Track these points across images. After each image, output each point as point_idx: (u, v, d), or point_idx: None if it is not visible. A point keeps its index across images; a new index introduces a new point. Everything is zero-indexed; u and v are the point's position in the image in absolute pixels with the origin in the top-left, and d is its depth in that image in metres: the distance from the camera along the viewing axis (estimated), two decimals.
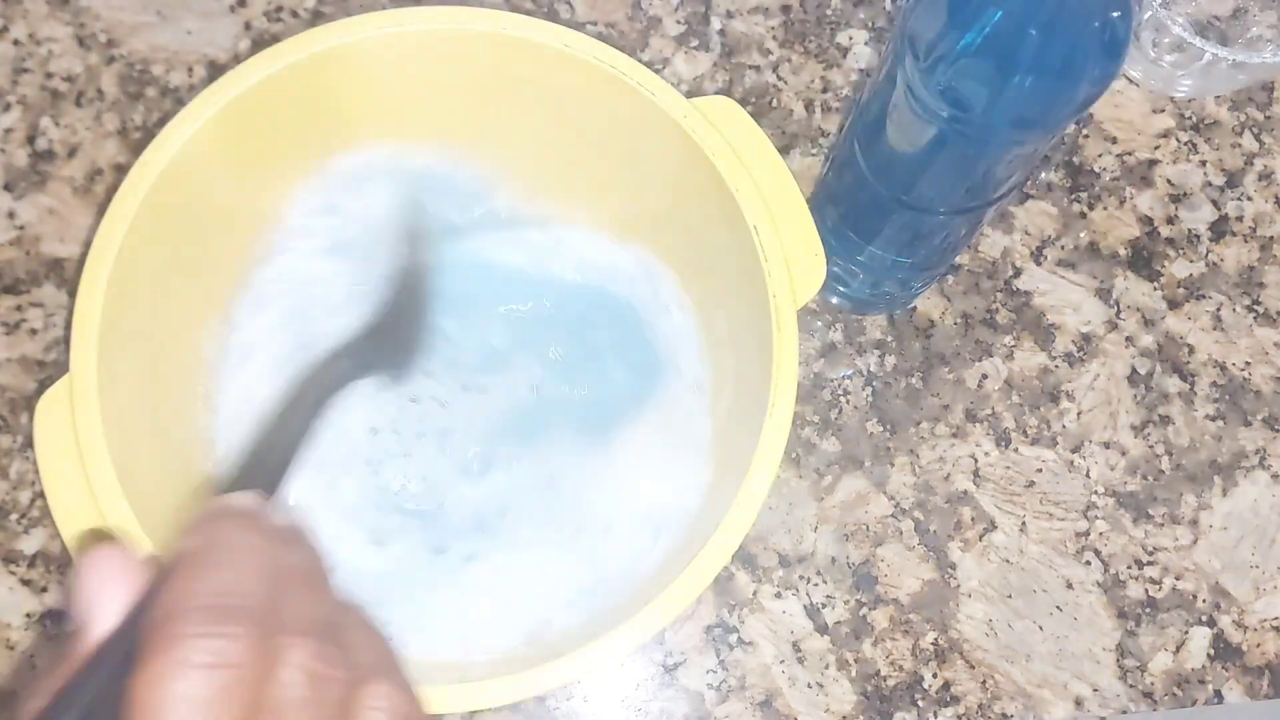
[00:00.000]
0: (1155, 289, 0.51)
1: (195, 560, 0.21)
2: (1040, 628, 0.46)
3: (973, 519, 0.47)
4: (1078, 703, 0.45)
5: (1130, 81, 0.53)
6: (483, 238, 0.45)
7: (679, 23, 0.53)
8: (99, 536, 0.34)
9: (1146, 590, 0.47)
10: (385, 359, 0.39)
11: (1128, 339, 0.50)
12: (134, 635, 0.20)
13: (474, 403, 0.44)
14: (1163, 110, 0.53)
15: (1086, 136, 0.53)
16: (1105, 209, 0.52)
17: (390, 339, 0.39)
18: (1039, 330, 0.50)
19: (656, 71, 0.42)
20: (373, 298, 0.40)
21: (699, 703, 0.44)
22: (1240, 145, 0.53)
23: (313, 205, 0.43)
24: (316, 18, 0.52)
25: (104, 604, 0.21)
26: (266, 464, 0.28)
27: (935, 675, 0.45)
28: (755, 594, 0.46)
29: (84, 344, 0.35)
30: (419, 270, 0.41)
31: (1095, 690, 0.45)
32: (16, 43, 0.51)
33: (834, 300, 0.49)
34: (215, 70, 0.51)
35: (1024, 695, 0.45)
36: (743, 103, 0.51)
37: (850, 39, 0.53)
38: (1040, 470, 0.48)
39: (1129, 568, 0.47)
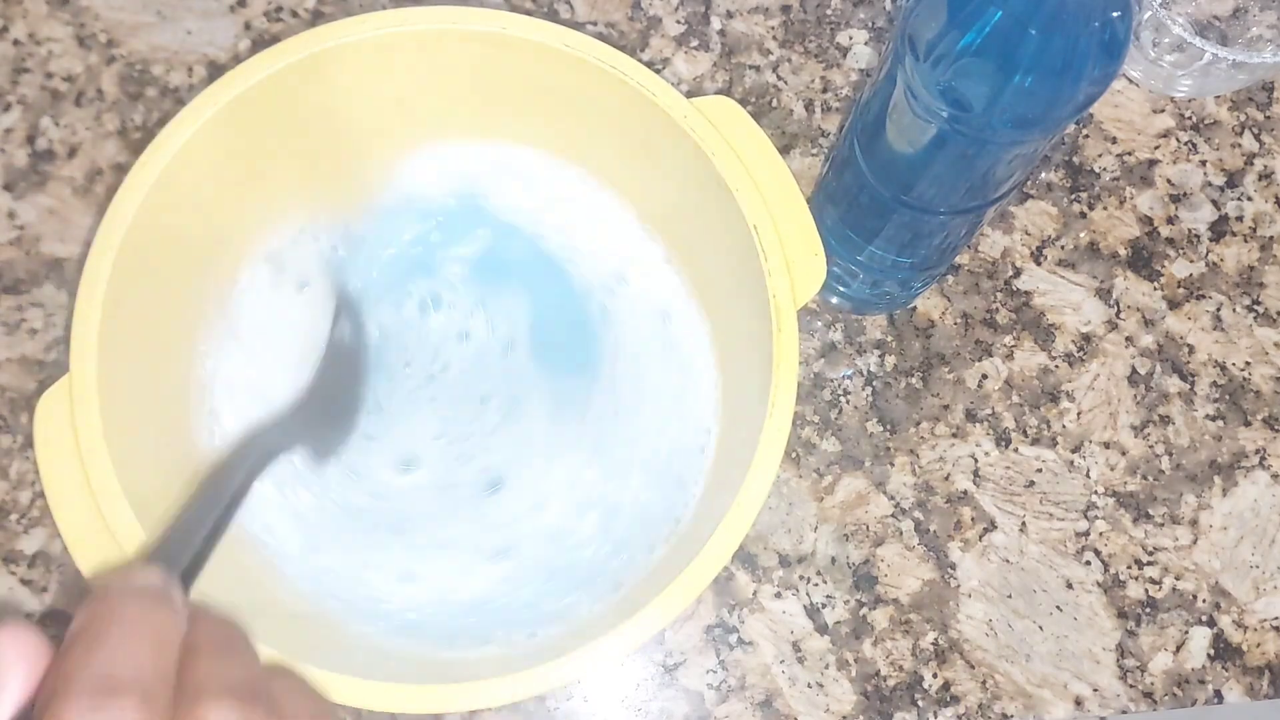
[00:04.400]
0: (1155, 289, 0.51)
1: (82, 638, 0.20)
2: (1040, 628, 0.46)
3: (973, 519, 0.47)
4: (1078, 703, 0.45)
5: (1130, 81, 0.53)
6: (475, 237, 0.45)
7: (679, 23, 0.53)
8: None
9: (1146, 590, 0.47)
10: (313, 434, 0.39)
11: (1128, 339, 0.50)
12: None
13: (476, 399, 0.44)
14: (1163, 110, 0.53)
15: (1086, 136, 0.53)
16: (1105, 209, 0.52)
17: (320, 414, 0.39)
18: (1039, 330, 0.50)
19: (656, 71, 0.42)
20: (312, 369, 0.40)
21: (699, 703, 0.44)
22: (1240, 145, 0.53)
23: (305, 216, 0.44)
24: (316, 18, 0.52)
25: (5, 688, 0.20)
26: (187, 538, 0.28)
27: (935, 675, 0.45)
28: (755, 594, 0.46)
29: (84, 344, 0.35)
30: (354, 349, 0.41)
31: (1095, 690, 0.45)
32: (16, 43, 0.51)
33: (834, 300, 0.48)
34: (215, 70, 0.51)
35: (1024, 695, 0.45)
36: (743, 103, 0.51)
37: (850, 39, 0.53)
38: (1040, 470, 0.48)
39: (1129, 568, 0.47)
